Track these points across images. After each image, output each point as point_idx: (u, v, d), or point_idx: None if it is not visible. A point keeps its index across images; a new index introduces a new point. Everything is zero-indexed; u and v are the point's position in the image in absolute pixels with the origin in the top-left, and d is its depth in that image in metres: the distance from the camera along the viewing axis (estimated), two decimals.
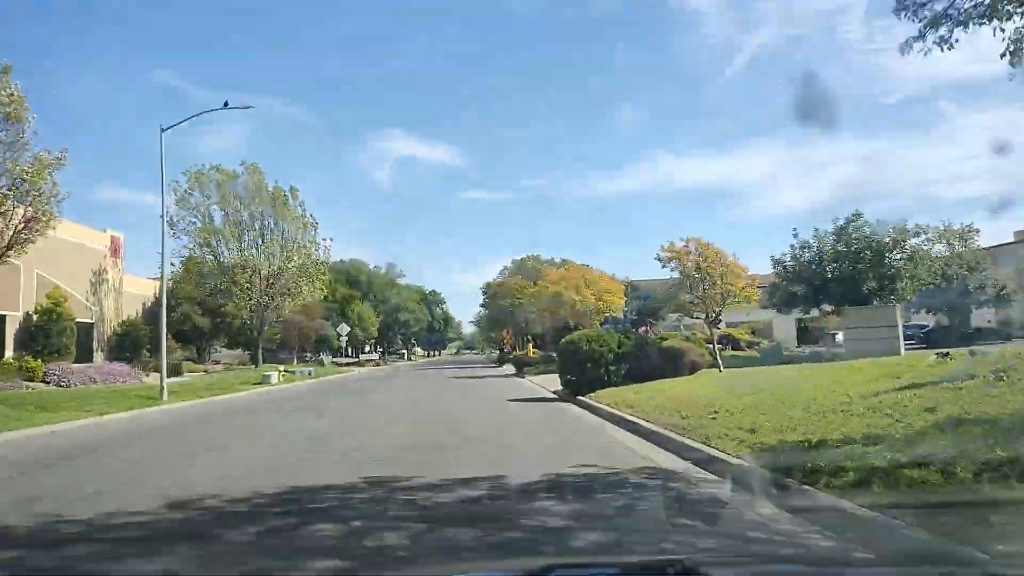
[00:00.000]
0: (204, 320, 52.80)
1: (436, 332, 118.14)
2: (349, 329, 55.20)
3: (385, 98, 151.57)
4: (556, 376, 27.03)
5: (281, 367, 35.54)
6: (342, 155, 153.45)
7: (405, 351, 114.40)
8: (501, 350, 78.72)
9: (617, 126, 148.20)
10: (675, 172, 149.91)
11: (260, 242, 38.87)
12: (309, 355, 66.24)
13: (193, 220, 38.03)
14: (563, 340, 17.29)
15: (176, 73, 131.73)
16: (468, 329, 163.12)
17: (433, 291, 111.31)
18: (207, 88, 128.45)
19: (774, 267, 32.53)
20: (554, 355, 36.69)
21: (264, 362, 51.40)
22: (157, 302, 56.56)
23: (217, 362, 57.49)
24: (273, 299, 39.45)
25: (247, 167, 39.49)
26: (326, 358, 55.63)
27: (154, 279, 47.66)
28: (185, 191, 37.78)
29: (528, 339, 66.66)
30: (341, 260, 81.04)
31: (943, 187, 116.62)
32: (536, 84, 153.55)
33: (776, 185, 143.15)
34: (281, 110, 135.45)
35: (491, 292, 60.02)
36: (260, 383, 32.38)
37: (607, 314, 33.07)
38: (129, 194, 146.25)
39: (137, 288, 52.67)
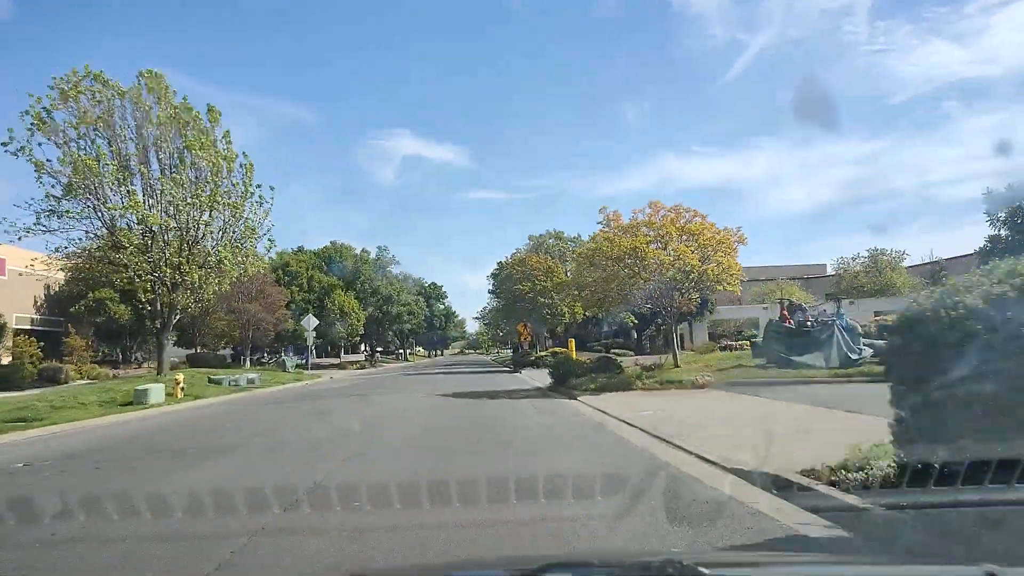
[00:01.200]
0: (123, 309, 39.84)
1: (437, 329, 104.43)
2: (317, 322, 42.04)
3: (391, 99, 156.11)
4: (634, 400, 13.52)
5: (179, 376, 22.41)
6: (346, 156, 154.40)
7: (402, 351, 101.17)
8: (515, 349, 65.02)
9: (621, 126, 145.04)
10: (679, 171, 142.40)
11: (157, 185, 25.65)
12: (270, 356, 53.27)
13: (67, 143, 24.87)
14: (926, 308, 3.97)
15: (179, 72, 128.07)
16: (472, 328, 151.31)
17: (433, 284, 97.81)
18: (212, 87, 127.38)
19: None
20: (612, 357, 22.91)
21: (198, 366, 38.40)
22: (68, 288, 43.70)
23: (139, 365, 44.48)
24: (182, 274, 26.17)
25: (146, 76, 26.32)
26: (290, 360, 42.49)
27: (65, 258, 34.20)
28: (45, 109, 24.57)
29: (548, 336, 53.30)
30: (327, 245, 68.03)
31: (946, 187, 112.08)
32: (540, 85, 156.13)
33: (779, 184, 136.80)
34: (284, 110, 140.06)
35: (504, 274, 46.34)
36: (129, 404, 19.38)
37: (783, 299, 19.22)
38: None
39: (34, 266, 39.63)
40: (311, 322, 40.19)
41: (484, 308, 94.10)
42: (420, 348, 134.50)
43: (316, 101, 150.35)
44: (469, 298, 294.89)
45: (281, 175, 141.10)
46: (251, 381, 30.66)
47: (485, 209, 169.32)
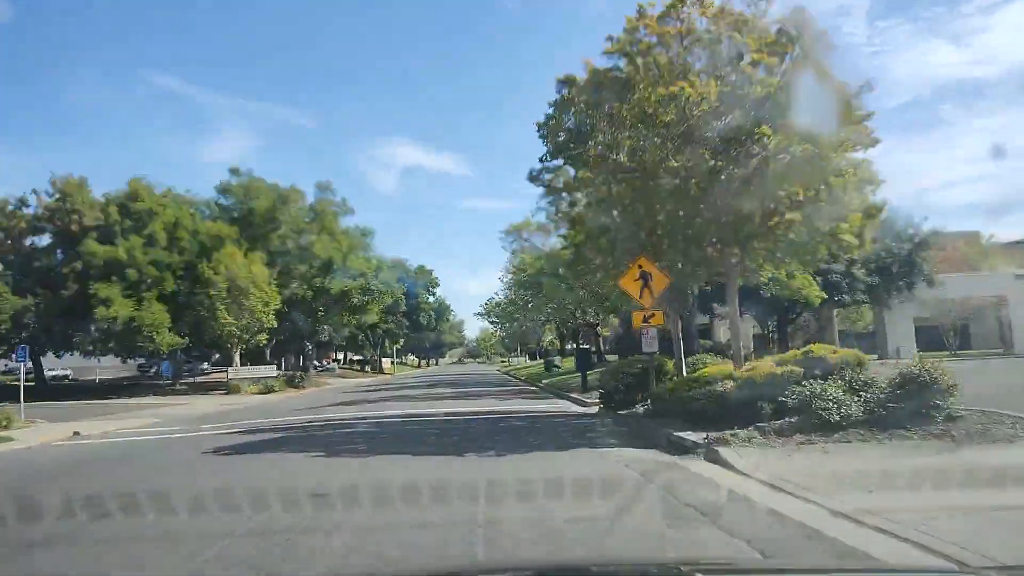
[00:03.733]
0: None
1: (425, 330, 75.98)
2: None
3: (390, 106, 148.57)
4: None
5: None
6: (347, 163, 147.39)
7: (378, 358, 72.81)
8: (577, 356, 35.37)
9: None
10: None
11: None
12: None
13: None
14: None
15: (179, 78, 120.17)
16: (472, 332, 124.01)
17: (422, 266, 68.67)
18: (211, 92, 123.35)
19: None
20: None
21: None
22: None
23: None
24: None
25: None
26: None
27: None
28: None
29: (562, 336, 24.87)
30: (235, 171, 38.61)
31: (943, 190, 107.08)
32: (536, 87, 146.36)
33: None
34: (284, 116, 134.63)
35: (587, 91, 13.34)
36: None
37: None
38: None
39: None
40: None
41: (491, 300, 66.04)
42: (412, 355, 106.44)
43: (314, 107, 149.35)
44: (470, 305, 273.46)
45: (280, 180, 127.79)
46: None
47: (483, 217, 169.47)
